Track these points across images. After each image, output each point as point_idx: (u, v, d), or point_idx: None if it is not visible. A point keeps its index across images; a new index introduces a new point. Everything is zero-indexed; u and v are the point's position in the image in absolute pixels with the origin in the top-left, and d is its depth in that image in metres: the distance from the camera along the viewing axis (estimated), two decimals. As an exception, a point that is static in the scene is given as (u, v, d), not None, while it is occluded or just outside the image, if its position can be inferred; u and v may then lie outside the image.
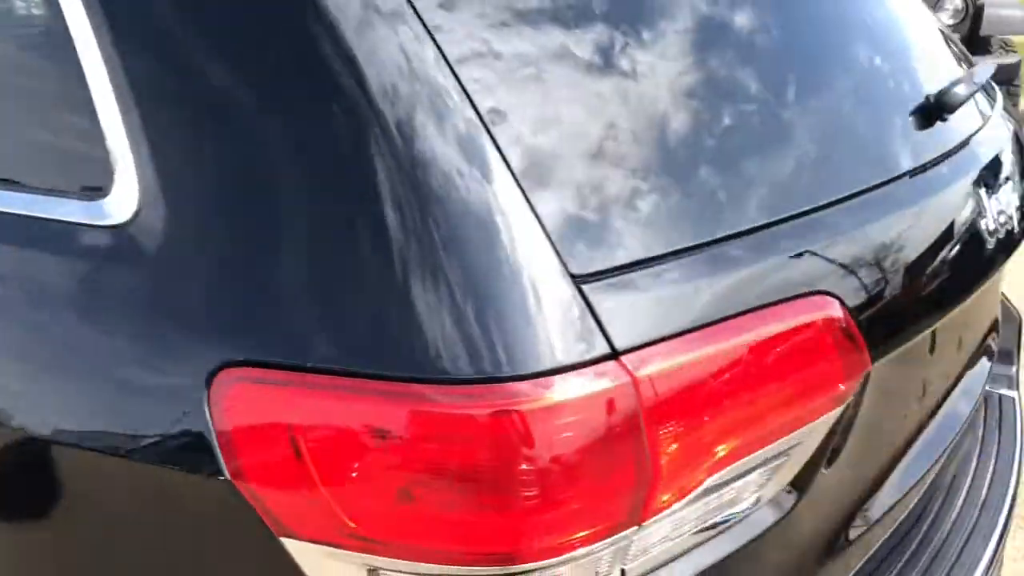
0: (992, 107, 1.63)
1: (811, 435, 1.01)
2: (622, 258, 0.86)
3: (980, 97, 1.57)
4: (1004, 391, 1.96)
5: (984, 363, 1.66)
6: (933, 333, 1.33)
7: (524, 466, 0.80)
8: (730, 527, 0.99)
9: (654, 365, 0.84)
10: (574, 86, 0.91)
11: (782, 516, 1.03)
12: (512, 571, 0.83)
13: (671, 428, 0.85)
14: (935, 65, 1.49)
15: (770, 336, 0.93)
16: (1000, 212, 1.34)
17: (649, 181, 0.91)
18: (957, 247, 1.22)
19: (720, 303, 0.90)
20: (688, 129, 0.97)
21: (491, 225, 0.82)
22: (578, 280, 0.83)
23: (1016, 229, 1.40)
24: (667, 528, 0.91)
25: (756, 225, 0.97)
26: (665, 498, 0.87)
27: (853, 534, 1.18)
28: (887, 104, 1.27)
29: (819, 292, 0.99)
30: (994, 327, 1.80)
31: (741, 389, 0.90)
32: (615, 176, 0.89)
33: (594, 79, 0.93)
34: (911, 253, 1.12)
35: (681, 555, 0.95)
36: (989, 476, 1.64)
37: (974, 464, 1.69)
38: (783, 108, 1.08)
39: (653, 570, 0.93)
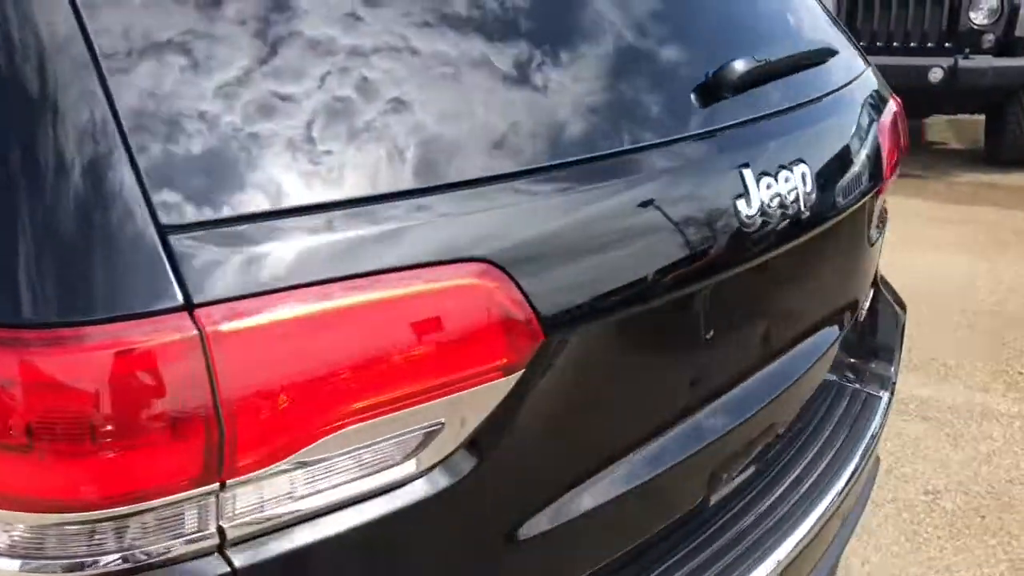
0: (831, 93, 1.57)
1: (473, 404, 0.99)
2: (223, 213, 0.85)
3: (807, 80, 1.52)
4: (872, 390, 1.90)
5: (807, 353, 1.60)
6: (703, 314, 1.29)
7: (85, 414, 0.80)
8: (385, 491, 0.97)
9: (234, 322, 0.83)
10: (197, 35, 0.90)
11: (451, 486, 1.00)
12: (83, 519, 0.83)
13: (253, 388, 0.84)
14: (749, 43, 1.44)
15: (391, 299, 0.91)
16: (775, 197, 1.29)
17: (272, 140, 0.89)
18: (690, 227, 1.17)
19: (338, 264, 0.88)
20: (324, 82, 0.94)
21: (84, 170, 0.81)
22: (166, 231, 0.82)
23: (799, 218, 1.34)
24: (283, 487, 0.90)
25: (401, 190, 0.94)
26: (249, 460, 0.86)
27: (562, 519, 1.14)
28: (650, 77, 1.23)
29: (475, 260, 0.96)
30: (840, 316, 1.74)
31: (349, 352, 0.89)
32: (231, 130, 0.88)
33: (221, 26, 0.91)
34: (617, 228, 1.08)
35: (317, 516, 0.93)
36: (811, 480, 1.58)
37: (803, 463, 1.64)
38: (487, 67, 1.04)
39: (278, 530, 0.91)
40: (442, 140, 0.98)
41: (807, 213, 1.36)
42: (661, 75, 1.25)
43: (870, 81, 1.79)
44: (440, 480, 1.00)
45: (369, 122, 0.95)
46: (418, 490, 0.99)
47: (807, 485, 1.57)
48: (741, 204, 1.23)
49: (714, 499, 1.43)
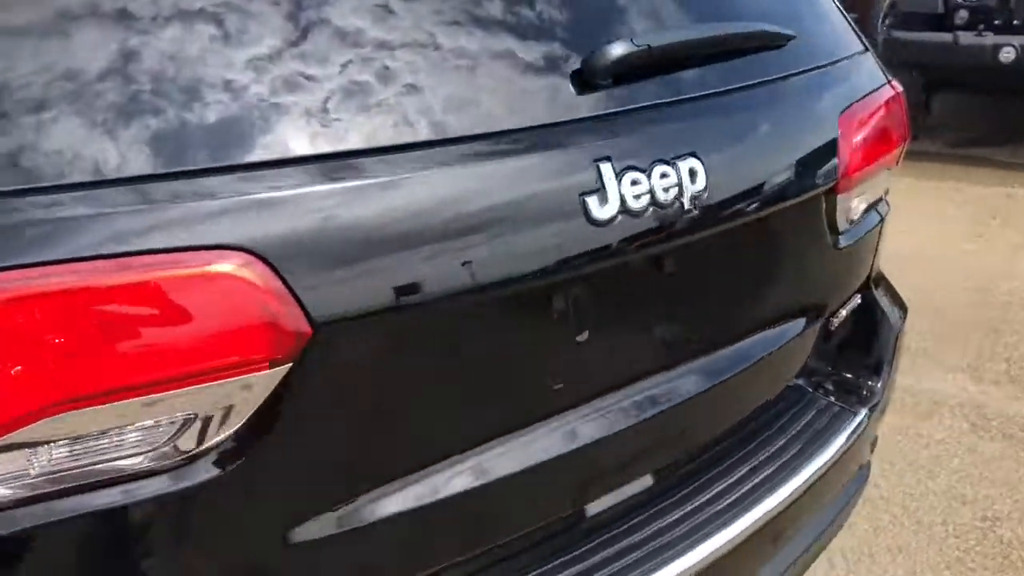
0: (768, 82, 1.44)
1: (233, 397, 0.96)
2: None
3: (735, 67, 1.40)
4: (847, 405, 1.75)
5: (732, 360, 1.48)
6: (562, 313, 1.20)
7: None
8: (129, 480, 0.95)
9: None
10: None
11: (212, 479, 0.98)
12: None
13: None
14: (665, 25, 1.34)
15: (115, 285, 0.89)
16: (644, 195, 1.18)
17: None
18: (518, 224, 1.09)
19: (55, 246, 0.87)
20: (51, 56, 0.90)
21: None
22: None
23: (685, 217, 1.23)
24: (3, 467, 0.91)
25: (150, 173, 0.91)
26: None
27: (356, 524, 1.09)
28: (509, 60, 1.15)
29: (229, 248, 0.93)
30: (791, 321, 1.60)
31: (67, 337, 0.88)
32: None
33: None
34: (414, 222, 1.02)
35: (49, 499, 0.93)
36: (730, 499, 1.47)
37: (729, 479, 1.52)
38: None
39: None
40: (203, 121, 0.94)
41: (696, 212, 1.25)
42: (525, 58, 1.17)
43: (848, 67, 1.63)
44: (199, 473, 0.98)
45: (116, 94, 0.91)
46: (172, 481, 0.97)
47: (724, 504, 1.46)
48: (592, 201, 1.15)
49: (592, 513, 1.35)
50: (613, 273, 1.25)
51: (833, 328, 1.75)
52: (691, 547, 1.37)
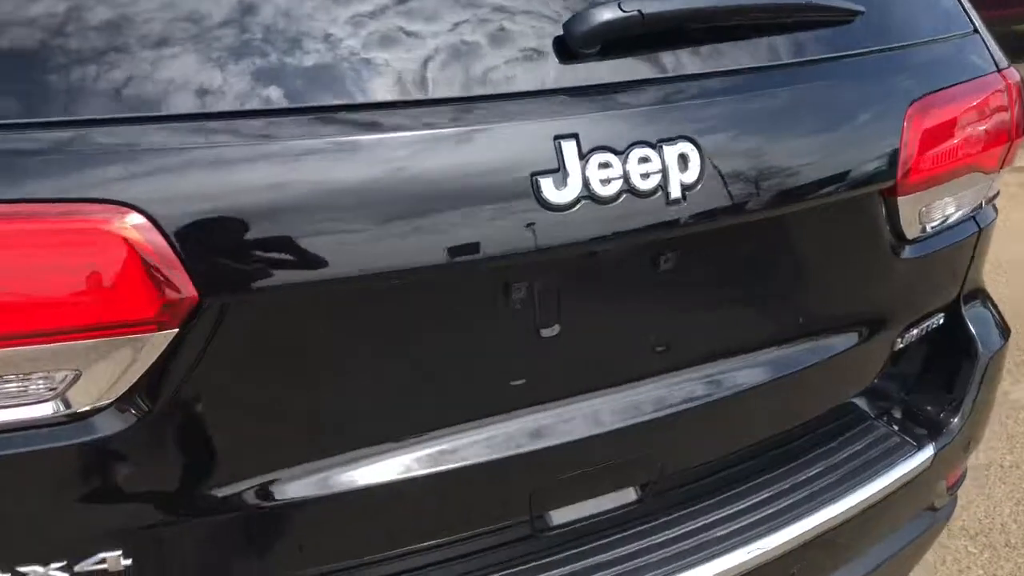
0: (813, 62, 1.25)
1: (118, 358, 0.93)
2: None
3: (775, 42, 1.22)
4: (910, 438, 1.53)
5: (747, 373, 1.31)
6: (517, 305, 1.10)
7: None
8: (19, 429, 0.94)
9: None
10: None
11: (101, 439, 0.95)
12: None
13: None
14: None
15: None
16: (616, 179, 1.04)
17: None
18: (447, 203, 0.98)
19: None
20: None
21: None
22: None
23: (672, 207, 1.09)
24: None
25: (36, 120, 0.89)
26: None
27: (256, 502, 1.04)
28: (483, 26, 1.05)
29: (114, 203, 0.89)
30: (834, 335, 1.41)
31: None
32: None
33: None
34: (323, 192, 0.94)
35: None
36: (729, 528, 1.31)
37: (737, 506, 1.36)
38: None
39: None
40: (96, 75, 0.91)
41: (688, 204, 1.10)
42: (496, 19, 1.07)
43: (936, 51, 1.40)
44: (87, 431, 0.96)
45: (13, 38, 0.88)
46: (56, 438, 0.95)
47: (717, 534, 1.30)
48: (546, 182, 1.03)
49: (556, 524, 1.24)
50: (585, 263, 1.13)
51: (902, 348, 1.53)
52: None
